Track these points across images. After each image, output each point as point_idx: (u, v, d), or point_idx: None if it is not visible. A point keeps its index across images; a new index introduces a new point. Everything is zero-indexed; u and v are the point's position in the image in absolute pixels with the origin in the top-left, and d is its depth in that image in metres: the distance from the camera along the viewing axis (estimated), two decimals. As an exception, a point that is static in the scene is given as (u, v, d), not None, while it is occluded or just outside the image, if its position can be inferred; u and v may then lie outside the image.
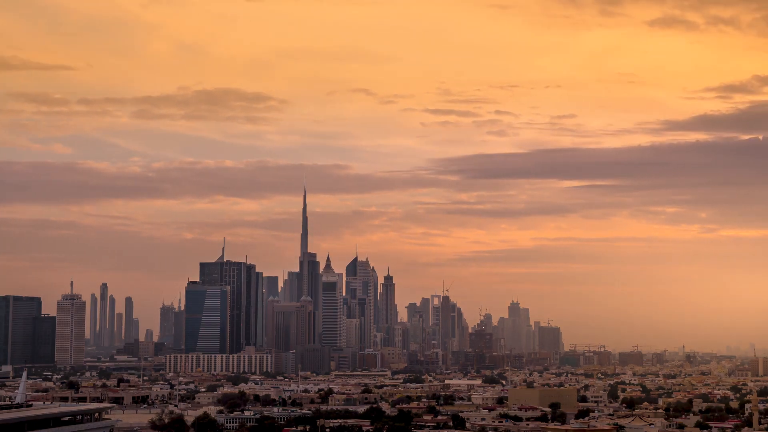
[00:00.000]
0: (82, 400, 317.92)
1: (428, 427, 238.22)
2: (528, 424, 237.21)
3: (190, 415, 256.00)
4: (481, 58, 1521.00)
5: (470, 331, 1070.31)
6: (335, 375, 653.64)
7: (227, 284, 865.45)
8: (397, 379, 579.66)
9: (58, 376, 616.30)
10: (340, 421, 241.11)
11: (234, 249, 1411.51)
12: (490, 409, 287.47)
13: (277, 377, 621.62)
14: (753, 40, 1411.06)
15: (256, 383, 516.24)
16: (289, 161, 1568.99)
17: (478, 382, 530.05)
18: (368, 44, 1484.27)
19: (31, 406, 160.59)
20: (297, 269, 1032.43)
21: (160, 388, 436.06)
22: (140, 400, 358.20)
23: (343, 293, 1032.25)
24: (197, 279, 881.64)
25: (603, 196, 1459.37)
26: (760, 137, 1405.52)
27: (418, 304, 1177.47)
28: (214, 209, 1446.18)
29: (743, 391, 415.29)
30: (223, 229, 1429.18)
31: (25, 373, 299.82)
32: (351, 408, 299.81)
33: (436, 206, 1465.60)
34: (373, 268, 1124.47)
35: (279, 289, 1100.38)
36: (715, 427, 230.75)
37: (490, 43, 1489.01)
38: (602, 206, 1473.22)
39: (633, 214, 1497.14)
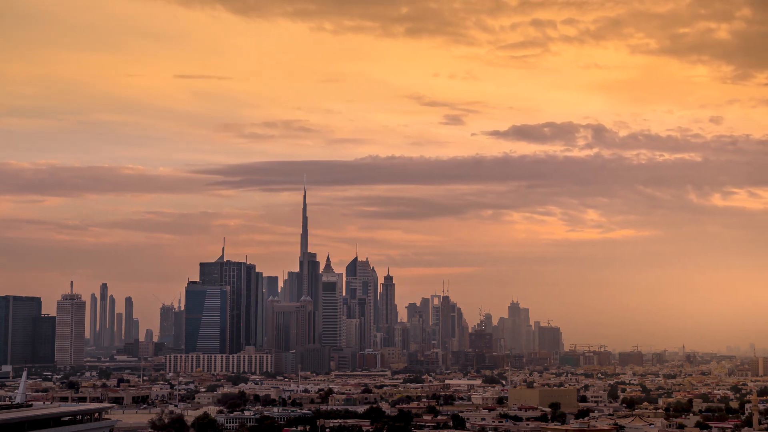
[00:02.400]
0: (82, 400, 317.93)
1: (428, 427, 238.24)
2: (528, 424, 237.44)
3: (190, 415, 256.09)
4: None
5: (470, 331, 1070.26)
6: (335, 375, 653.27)
7: (227, 284, 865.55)
8: (397, 379, 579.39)
9: (58, 376, 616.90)
10: (340, 421, 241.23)
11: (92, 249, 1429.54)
12: (490, 409, 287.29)
13: (277, 377, 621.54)
14: (434, 46, 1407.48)
15: (256, 383, 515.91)
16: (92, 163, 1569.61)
17: (478, 382, 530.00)
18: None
19: (31, 406, 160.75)
20: (297, 269, 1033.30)
21: (160, 388, 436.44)
22: (140, 400, 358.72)
23: (343, 293, 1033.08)
24: (197, 279, 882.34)
25: (484, 198, 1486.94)
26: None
27: (418, 304, 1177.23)
28: (41, 206, 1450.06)
29: (743, 391, 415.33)
30: (88, 229, 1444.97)
31: (25, 373, 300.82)
32: (351, 408, 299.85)
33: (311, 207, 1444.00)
34: (372, 268, 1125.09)
35: (279, 289, 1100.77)
36: (715, 427, 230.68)
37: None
38: (491, 207, 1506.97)
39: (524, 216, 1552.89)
